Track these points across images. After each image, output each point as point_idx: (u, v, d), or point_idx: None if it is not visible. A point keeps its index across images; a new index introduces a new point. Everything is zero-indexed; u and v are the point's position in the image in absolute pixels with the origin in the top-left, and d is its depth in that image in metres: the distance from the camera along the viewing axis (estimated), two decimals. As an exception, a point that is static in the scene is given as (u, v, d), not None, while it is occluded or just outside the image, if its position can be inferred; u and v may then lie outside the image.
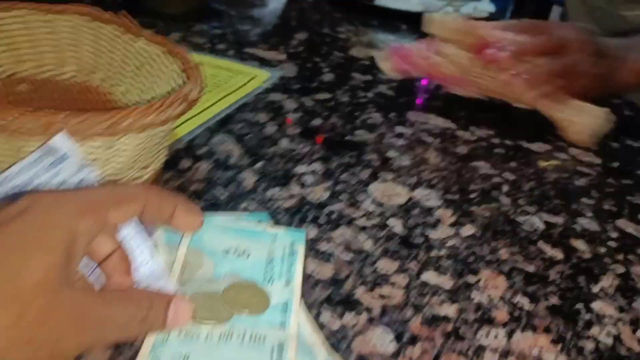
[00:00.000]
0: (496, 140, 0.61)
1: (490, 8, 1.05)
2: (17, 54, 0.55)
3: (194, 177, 0.46)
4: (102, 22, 0.56)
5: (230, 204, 0.44)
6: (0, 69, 0.55)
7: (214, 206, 0.43)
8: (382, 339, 0.33)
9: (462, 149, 0.58)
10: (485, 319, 0.36)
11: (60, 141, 0.35)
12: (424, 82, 0.74)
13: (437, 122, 0.63)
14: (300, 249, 0.37)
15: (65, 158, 0.36)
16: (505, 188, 0.52)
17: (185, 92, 0.41)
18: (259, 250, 0.36)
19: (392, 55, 0.67)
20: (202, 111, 0.57)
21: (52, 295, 0.24)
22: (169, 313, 0.28)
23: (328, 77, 0.72)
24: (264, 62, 0.73)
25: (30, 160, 0.35)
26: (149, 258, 0.31)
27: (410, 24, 0.99)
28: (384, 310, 0.35)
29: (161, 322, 0.28)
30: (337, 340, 0.32)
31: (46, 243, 0.24)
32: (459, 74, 0.64)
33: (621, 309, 0.38)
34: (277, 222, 0.42)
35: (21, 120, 0.34)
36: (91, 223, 0.26)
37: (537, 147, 0.61)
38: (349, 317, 0.34)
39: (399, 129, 0.60)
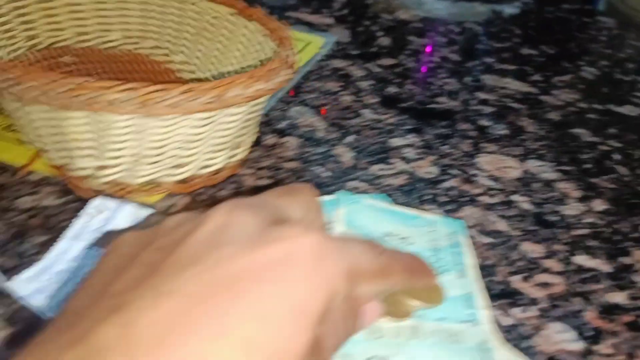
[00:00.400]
0: (584, 105, 0.56)
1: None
2: (56, 20, 0.48)
3: (284, 155, 0.41)
4: (149, -18, 0.49)
5: (337, 184, 0.38)
6: (38, 39, 0.48)
7: (319, 187, 0.38)
8: (563, 336, 0.28)
9: (554, 116, 0.53)
10: (658, 306, 0.31)
11: (103, 202, 0.30)
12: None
13: (516, 86, 0.58)
14: (464, 240, 0.32)
15: (120, 208, 0.30)
16: (616, 157, 0.47)
17: (284, 56, 0.35)
18: (420, 237, 0.31)
19: None
20: (268, 81, 0.51)
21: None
22: (357, 319, 0.23)
23: (385, 41, 0.66)
24: (312, 27, 0.67)
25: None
26: None
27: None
28: (553, 303, 0.30)
29: (353, 333, 0.23)
30: (515, 339, 0.28)
31: (307, 314, 0.18)
32: None
33: None
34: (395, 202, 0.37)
35: (113, 95, 0.28)
36: (347, 290, 0.19)
37: (627, 110, 0.56)
38: (517, 312, 0.29)
39: (480, 94, 0.55)
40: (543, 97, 0.57)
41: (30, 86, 0.28)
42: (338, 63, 0.58)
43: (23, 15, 0.46)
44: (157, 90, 0.28)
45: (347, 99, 0.50)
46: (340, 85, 0.53)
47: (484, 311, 0.28)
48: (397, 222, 0.32)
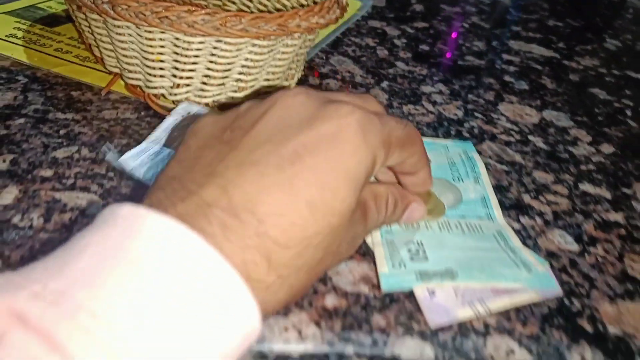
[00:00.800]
0: (603, 70, 0.60)
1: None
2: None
3: (326, 93, 0.46)
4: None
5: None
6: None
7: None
8: (563, 239, 0.33)
9: (573, 77, 0.57)
10: (651, 227, 0.36)
11: (189, 105, 0.36)
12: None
13: (541, 51, 0.62)
14: (475, 155, 0.37)
15: (201, 111, 0.36)
16: (628, 112, 0.51)
17: (334, -2, 0.40)
18: (437, 157, 0.36)
19: None
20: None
21: (348, 228, 0.23)
22: (406, 212, 0.29)
23: (418, 7, 0.70)
24: (351, -8, 0.71)
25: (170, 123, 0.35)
26: None
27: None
28: (557, 216, 0.35)
29: (397, 220, 0.29)
30: (522, 237, 0.32)
31: (356, 178, 0.23)
32: None
33: None
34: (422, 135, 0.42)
35: (193, 16, 0.34)
36: (382, 159, 0.24)
37: (644, 77, 0.60)
38: (526, 220, 0.34)
39: (506, 56, 0.59)
40: (565, 62, 0.61)
41: (126, 7, 0.33)
42: (374, 23, 0.62)
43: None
44: (232, 16, 0.33)
45: (382, 52, 0.55)
46: (376, 41, 0.58)
47: (497, 210, 0.33)
48: None
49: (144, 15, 0.33)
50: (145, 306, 0.17)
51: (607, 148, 0.44)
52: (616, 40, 0.70)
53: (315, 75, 0.48)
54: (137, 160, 0.32)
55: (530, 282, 0.28)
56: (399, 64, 0.53)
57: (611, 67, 0.61)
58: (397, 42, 0.58)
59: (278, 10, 0.50)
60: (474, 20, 0.69)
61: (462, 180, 0.35)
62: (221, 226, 0.20)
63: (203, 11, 0.33)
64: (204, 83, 0.38)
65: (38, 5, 0.52)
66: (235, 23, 0.34)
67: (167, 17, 0.33)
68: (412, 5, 0.71)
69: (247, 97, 0.39)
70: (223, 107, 0.39)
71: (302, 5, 0.48)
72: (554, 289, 0.29)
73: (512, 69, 0.56)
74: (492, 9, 0.74)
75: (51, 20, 0.50)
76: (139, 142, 0.35)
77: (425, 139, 0.40)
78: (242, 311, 0.19)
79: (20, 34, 0.47)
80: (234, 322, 0.18)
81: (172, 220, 0.18)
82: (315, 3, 0.45)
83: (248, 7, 0.52)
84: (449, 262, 0.29)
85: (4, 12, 0.50)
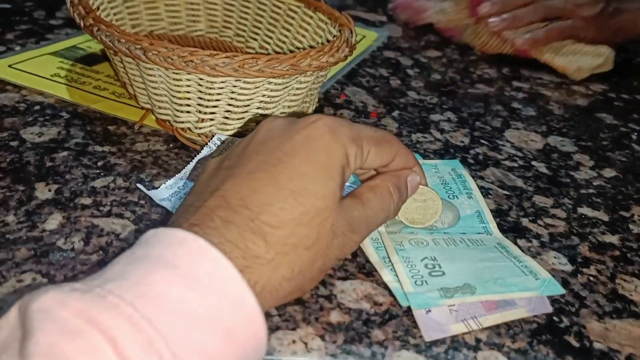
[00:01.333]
0: (612, 95, 0.62)
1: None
2: (155, 12, 0.59)
3: (340, 123, 0.49)
4: (232, -18, 0.59)
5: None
6: (141, 27, 0.58)
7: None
8: (557, 260, 0.35)
9: (582, 102, 0.59)
10: (646, 249, 0.38)
11: (220, 137, 0.40)
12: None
13: (551, 77, 0.64)
14: (463, 171, 0.40)
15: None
16: (634, 137, 0.53)
17: (345, 37, 0.44)
18: (429, 177, 0.39)
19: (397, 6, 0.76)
20: (328, 65, 0.60)
21: (337, 210, 0.27)
22: (408, 188, 0.32)
23: (433, 37, 0.74)
24: (367, 23, 0.75)
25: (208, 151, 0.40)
26: None
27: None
28: (553, 238, 0.37)
29: (405, 196, 0.32)
30: (517, 260, 0.35)
31: (331, 167, 0.27)
32: (446, 24, 0.71)
33: None
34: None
35: (215, 59, 0.38)
36: (359, 155, 0.29)
37: (654, 101, 0.61)
38: (522, 242, 0.37)
39: (516, 83, 0.62)
40: (574, 87, 0.63)
41: (156, 53, 0.37)
42: (389, 54, 0.66)
43: (130, 7, 0.57)
44: (249, 59, 0.37)
45: (395, 82, 0.58)
46: (389, 71, 0.61)
47: (492, 224, 0.37)
48: None
49: (172, 59, 0.37)
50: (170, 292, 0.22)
51: (608, 172, 0.46)
52: (629, 64, 0.72)
53: (342, 97, 0.53)
54: (165, 194, 0.36)
55: (540, 289, 0.31)
56: (411, 93, 0.56)
57: (621, 91, 0.63)
58: (409, 71, 0.62)
59: (292, 50, 0.54)
60: (487, 47, 0.72)
61: (457, 197, 0.38)
62: (222, 221, 0.25)
63: (223, 55, 0.37)
64: (226, 117, 0.42)
65: (79, 46, 0.57)
66: (252, 65, 0.37)
67: (192, 60, 0.37)
68: (427, 34, 0.74)
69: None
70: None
71: (316, 43, 0.51)
72: (559, 293, 0.31)
73: (520, 95, 0.59)
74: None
75: (90, 60, 0.55)
76: (167, 171, 0.39)
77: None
78: (237, 291, 0.23)
79: (63, 73, 0.51)
80: (232, 303, 0.22)
81: (182, 231, 0.24)
82: (328, 41, 0.49)
83: (266, 47, 0.56)
84: (465, 274, 0.32)
85: (49, 53, 0.55)
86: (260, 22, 0.57)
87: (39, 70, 0.51)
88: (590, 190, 0.43)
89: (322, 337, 0.28)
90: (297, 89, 0.42)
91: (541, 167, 0.46)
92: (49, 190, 0.36)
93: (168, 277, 0.22)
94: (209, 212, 0.25)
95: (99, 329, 0.19)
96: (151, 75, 0.41)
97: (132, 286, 0.21)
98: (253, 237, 0.25)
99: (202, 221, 0.25)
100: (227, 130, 0.42)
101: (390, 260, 0.33)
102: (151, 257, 0.23)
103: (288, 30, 0.55)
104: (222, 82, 0.39)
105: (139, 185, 0.37)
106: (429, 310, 0.30)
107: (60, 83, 0.50)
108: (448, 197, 0.38)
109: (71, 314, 0.19)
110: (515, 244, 0.36)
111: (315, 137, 0.28)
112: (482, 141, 0.49)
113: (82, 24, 0.42)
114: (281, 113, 0.43)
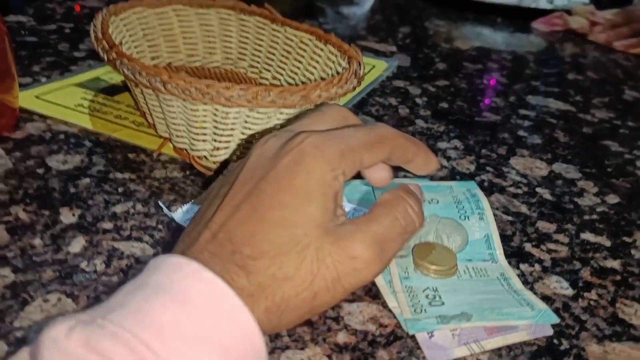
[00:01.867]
0: (618, 122, 0.63)
1: None
2: (173, 45, 0.62)
3: (349, 150, 0.51)
4: (246, 14, 0.61)
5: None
6: (160, 59, 0.61)
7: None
8: (558, 285, 0.36)
9: (587, 130, 0.60)
10: (648, 274, 0.38)
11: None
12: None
13: (557, 105, 0.66)
14: (478, 191, 0.41)
15: None
16: (638, 164, 0.54)
17: (354, 69, 0.46)
18: (443, 197, 0.41)
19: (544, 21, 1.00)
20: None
21: (322, 236, 0.27)
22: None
23: (441, 66, 0.76)
24: (378, 53, 0.77)
25: None
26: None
27: (505, 17, 1.01)
28: (555, 263, 0.38)
29: (420, 199, 0.31)
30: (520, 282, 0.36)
31: (310, 191, 0.27)
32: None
33: None
34: (434, 189, 0.46)
35: (230, 91, 0.40)
36: (350, 166, 0.28)
37: (659, 128, 0.62)
38: (525, 267, 0.38)
39: (523, 111, 0.63)
40: (580, 115, 0.64)
41: (175, 85, 0.40)
42: (398, 83, 0.68)
43: (150, 40, 0.60)
44: (262, 90, 0.39)
45: (403, 112, 0.60)
46: (398, 100, 0.63)
47: (499, 250, 0.38)
48: (425, 191, 0.42)
49: (190, 91, 0.40)
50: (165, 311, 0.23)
51: (612, 198, 0.47)
52: (635, 92, 0.73)
53: None
54: (186, 215, 0.38)
55: (534, 318, 0.32)
56: (419, 121, 0.58)
57: (627, 118, 0.64)
58: (418, 100, 0.63)
59: (304, 81, 0.56)
60: (495, 76, 0.74)
61: (468, 218, 0.39)
62: (210, 254, 0.26)
63: (238, 87, 0.39)
64: (241, 145, 0.44)
65: (101, 77, 0.60)
66: (265, 96, 0.40)
67: (208, 92, 0.39)
68: (436, 63, 0.76)
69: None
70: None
71: (327, 74, 0.54)
72: (555, 321, 0.32)
73: (526, 123, 0.60)
74: (513, 65, 0.79)
75: (112, 90, 0.57)
76: (184, 197, 0.41)
77: (430, 183, 0.44)
78: (231, 308, 0.24)
79: (86, 103, 0.54)
80: (227, 320, 0.24)
81: (177, 257, 0.25)
82: (337, 73, 0.51)
83: (279, 77, 0.59)
84: (464, 306, 0.33)
85: (73, 84, 0.58)
86: (274, 54, 0.60)
87: (64, 100, 0.54)
88: (594, 216, 0.44)
89: (330, 357, 0.29)
90: (308, 118, 0.44)
91: (545, 194, 0.47)
92: (73, 215, 0.38)
93: (164, 302, 0.23)
94: (200, 246, 0.27)
95: (98, 354, 0.21)
96: (170, 106, 0.43)
97: (131, 314, 0.22)
98: (237, 270, 0.26)
99: (195, 254, 0.26)
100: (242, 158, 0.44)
101: (394, 288, 0.34)
102: (149, 284, 0.24)
103: (300, 61, 0.57)
104: (236, 112, 0.41)
105: (161, 204, 0.39)
106: (432, 335, 0.31)
107: (84, 113, 0.52)
108: (460, 217, 0.39)
109: (75, 343, 0.21)
110: (518, 268, 0.37)
111: (298, 161, 0.27)
112: (488, 168, 0.50)
113: (105, 58, 0.45)
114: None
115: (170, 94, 0.40)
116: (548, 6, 1.03)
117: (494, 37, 0.95)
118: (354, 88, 0.45)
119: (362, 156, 0.29)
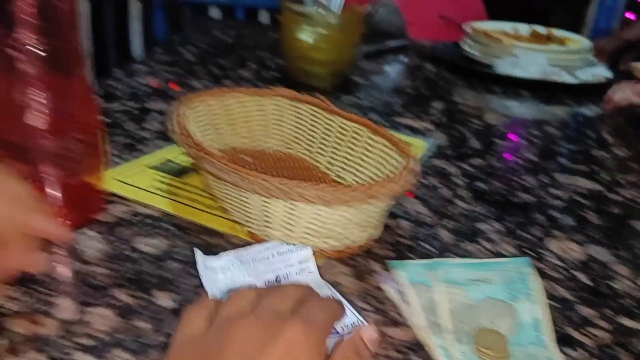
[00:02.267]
0: (644, 202, 0.67)
1: (608, 74, 1.13)
2: (235, 129, 0.68)
3: (401, 233, 0.56)
4: (300, 102, 0.68)
5: (442, 255, 0.53)
6: (226, 142, 0.68)
7: (427, 257, 0.52)
8: (603, 370, 0.40)
9: (616, 210, 0.65)
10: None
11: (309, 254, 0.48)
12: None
13: (584, 183, 0.71)
14: (531, 271, 0.45)
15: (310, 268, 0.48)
16: (666, 246, 0.58)
17: (410, 166, 0.52)
18: (494, 276, 0.45)
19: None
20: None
21: None
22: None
23: (474, 143, 0.81)
24: (415, 131, 0.84)
25: (282, 249, 0.48)
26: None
27: (532, 90, 1.08)
28: (599, 349, 0.43)
29: (368, 355, 0.35)
30: (566, 369, 0.40)
31: None
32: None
33: None
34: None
35: (301, 189, 0.46)
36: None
37: (683, 208, 0.67)
38: (569, 351, 0.42)
39: (553, 191, 0.68)
40: (609, 194, 0.69)
41: (260, 185, 0.46)
42: (437, 162, 0.74)
43: (216, 126, 0.66)
44: (327, 187, 0.45)
45: (445, 192, 0.66)
46: (440, 181, 0.68)
47: (550, 335, 0.41)
48: (478, 270, 0.46)
49: (269, 189, 0.46)
50: None
51: (644, 282, 0.52)
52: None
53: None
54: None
55: None
56: (459, 202, 0.63)
57: (653, 197, 0.69)
58: (456, 180, 0.69)
59: (357, 168, 0.62)
60: (524, 154, 0.79)
61: (518, 299, 0.43)
62: None
63: (310, 185, 0.45)
64: (307, 234, 0.49)
65: (172, 159, 0.66)
66: (310, 192, 0.45)
67: (284, 189, 0.45)
68: (469, 140, 0.82)
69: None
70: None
71: (378, 163, 0.59)
72: None
73: (558, 203, 0.65)
74: (541, 143, 0.84)
75: (180, 171, 0.64)
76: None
77: (482, 260, 0.49)
78: None
79: (159, 185, 0.60)
80: None
81: None
82: (387, 162, 0.57)
83: (333, 162, 0.65)
84: None
85: (146, 166, 0.64)
86: (327, 140, 0.66)
87: (139, 182, 0.60)
88: (630, 302, 0.49)
89: None
90: (371, 212, 0.50)
91: (583, 278, 0.51)
92: (168, 299, 0.43)
93: None
94: None
95: None
96: (247, 198, 0.49)
97: None
98: None
99: None
100: (307, 244, 0.50)
101: None
102: None
103: (352, 148, 0.63)
104: (305, 205, 0.47)
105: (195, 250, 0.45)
106: None
107: (160, 195, 0.58)
108: (510, 297, 0.43)
109: None
110: (563, 353, 0.42)
111: (294, 351, 0.30)
112: (527, 251, 0.55)
113: (189, 154, 0.51)
114: (355, 224, 0.51)
115: (252, 192, 0.47)
116: (574, 80, 1.09)
117: (521, 111, 1.01)
118: (410, 183, 0.51)
119: (327, 337, 0.33)
